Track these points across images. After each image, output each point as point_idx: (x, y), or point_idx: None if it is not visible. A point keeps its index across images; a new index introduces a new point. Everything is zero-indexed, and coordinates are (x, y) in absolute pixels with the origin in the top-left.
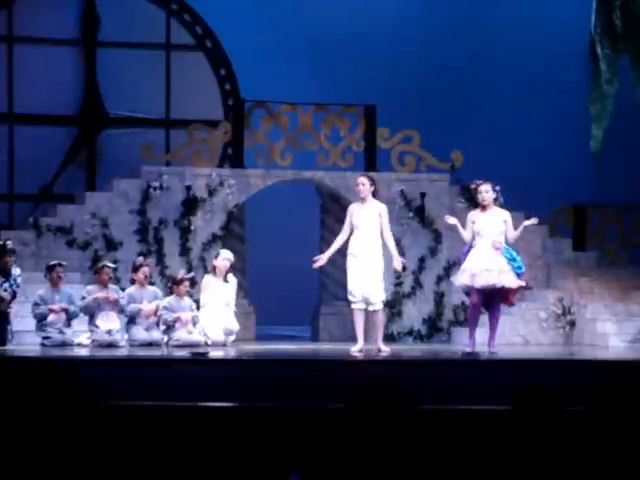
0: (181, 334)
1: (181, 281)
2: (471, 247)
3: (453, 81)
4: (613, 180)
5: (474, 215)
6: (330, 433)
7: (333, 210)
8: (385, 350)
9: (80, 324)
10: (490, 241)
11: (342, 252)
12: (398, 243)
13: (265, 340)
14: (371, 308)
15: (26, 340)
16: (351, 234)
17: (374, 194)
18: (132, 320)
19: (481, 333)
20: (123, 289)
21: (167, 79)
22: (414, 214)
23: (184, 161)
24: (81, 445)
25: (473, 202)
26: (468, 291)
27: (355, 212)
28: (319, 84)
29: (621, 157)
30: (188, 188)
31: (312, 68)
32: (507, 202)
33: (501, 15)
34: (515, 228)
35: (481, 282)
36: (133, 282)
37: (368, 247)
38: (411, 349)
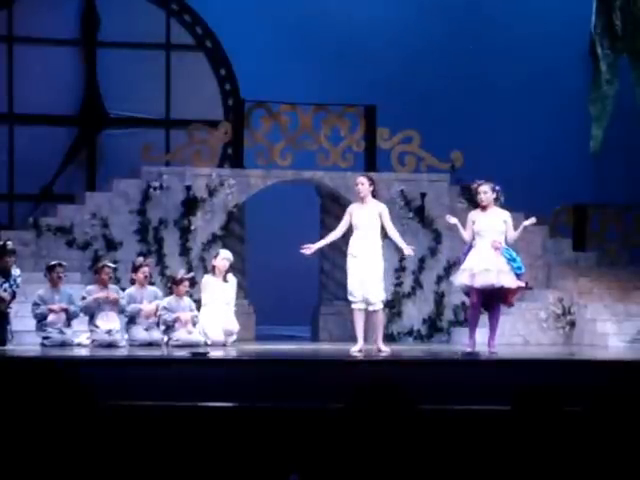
0: (181, 334)
1: (181, 281)
2: (471, 247)
3: (453, 81)
4: (613, 180)
5: (474, 215)
6: (330, 433)
7: (333, 210)
8: (385, 350)
9: (80, 324)
10: (490, 241)
11: (342, 252)
12: None
13: (265, 340)
14: (371, 308)
15: (26, 340)
16: (351, 234)
17: (374, 194)
18: (132, 320)
19: (481, 333)
20: (123, 289)
21: (167, 79)
22: (414, 214)
23: (184, 161)
24: (81, 445)
25: (473, 202)
26: (468, 291)
27: (355, 212)
28: (319, 84)
29: (621, 157)
30: (188, 188)
31: (312, 68)
32: (507, 202)
33: (501, 15)
34: (515, 228)
35: (480, 282)
36: (133, 282)
37: (368, 247)
38: (411, 349)
